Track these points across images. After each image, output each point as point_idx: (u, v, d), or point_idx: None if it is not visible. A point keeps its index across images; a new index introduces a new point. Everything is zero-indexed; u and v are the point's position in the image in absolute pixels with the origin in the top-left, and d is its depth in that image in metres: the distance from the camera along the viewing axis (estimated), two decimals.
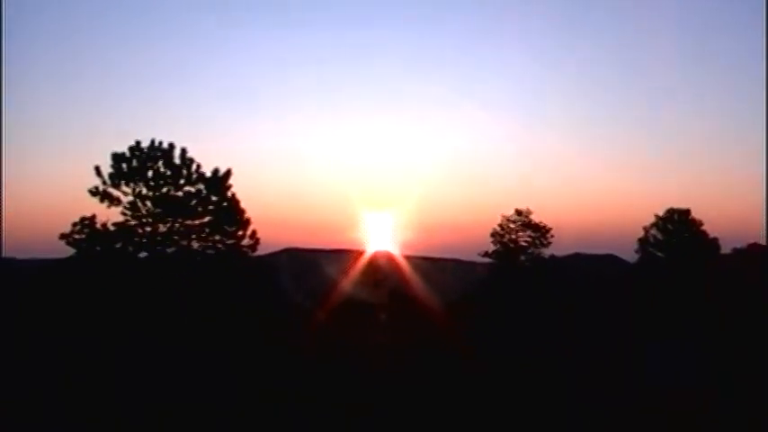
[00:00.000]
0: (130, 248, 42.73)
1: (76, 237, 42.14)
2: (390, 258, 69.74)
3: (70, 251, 42.24)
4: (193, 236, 43.30)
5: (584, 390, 34.96)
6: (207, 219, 43.46)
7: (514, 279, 63.43)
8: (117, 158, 42.85)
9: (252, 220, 44.22)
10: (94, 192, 42.25)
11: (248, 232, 44.09)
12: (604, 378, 36.69)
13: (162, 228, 42.87)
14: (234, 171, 44.09)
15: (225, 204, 43.61)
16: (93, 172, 42.54)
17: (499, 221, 66.45)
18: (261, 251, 46.54)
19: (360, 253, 68.93)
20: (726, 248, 76.89)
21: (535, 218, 66.10)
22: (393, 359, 42.49)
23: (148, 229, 42.73)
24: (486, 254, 66.39)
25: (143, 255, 42.95)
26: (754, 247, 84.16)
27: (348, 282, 62.17)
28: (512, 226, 65.95)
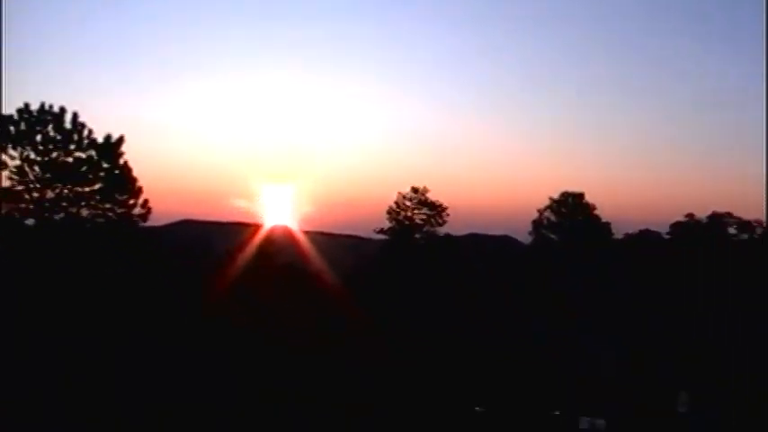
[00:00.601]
0: (16, 215, 41.59)
1: None
2: (287, 232, 69.28)
3: None
4: (83, 203, 42.26)
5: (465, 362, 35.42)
6: (97, 186, 42.45)
7: (408, 256, 63.42)
8: (4, 121, 41.46)
9: (145, 189, 43.44)
10: None
11: (140, 201, 43.25)
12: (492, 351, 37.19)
13: (50, 194, 41.75)
14: (128, 138, 43.19)
15: (116, 172, 42.67)
16: None
17: (395, 198, 66.30)
18: (157, 222, 45.69)
19: (257, 226, 68.28)
20: (618, 233, 78.32)
21: (431, 196, 66.19)
22: (286, 333, 42.33)
23: (36, 194, 41.55)
24: (381, 230, 66.31)
25: (29, 221, 41.81)
26: (645, 233, 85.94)
27: (243, 255, 61.61)
28: (407, 203, 65.93)
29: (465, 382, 33.70)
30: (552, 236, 69.71)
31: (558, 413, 22.81)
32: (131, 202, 42.99)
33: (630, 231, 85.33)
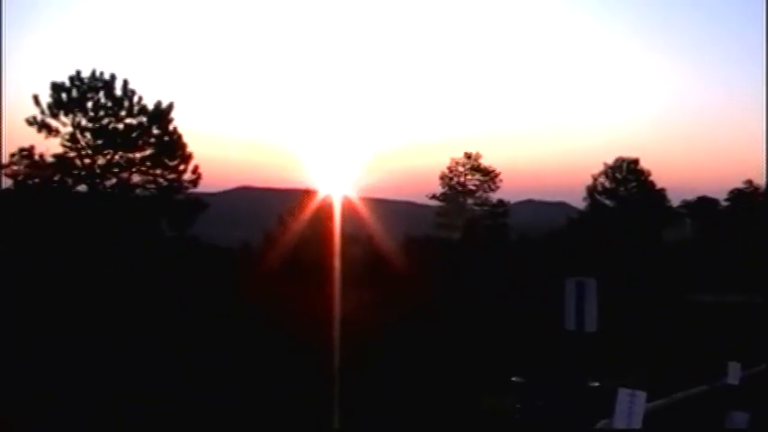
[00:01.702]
0: (69, 181, 42.05)
1: (15, 168, 41.37)
2: (344, 199, 69.15)
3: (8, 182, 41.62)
4: (134, 169, 42.62)
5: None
6: (148, 152, 42.74)
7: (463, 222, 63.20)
8: (56, 88, 41.87)
9: (205, 156, 43.78)
10: (32, 121, 41.35)
11: (190, 167, 43.45)
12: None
13: (101, 160, 42.15)
14: (185, 106, 43.46)
15: (166, 138, 42.90)
16: (31, 101, 41.70)
17: (448, 164, 66.03)
18: (215, 188, 45.95)
19: (313, 193, 68.10)
20: (674, 200, 77.21)
21: (485, 162, 65.84)
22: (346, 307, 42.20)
23: (87, 161, 41.98)
24: (434, 196, 66.16)
25: (82, 188, 42.28)
26: (703, 200, 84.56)
27: (300, 223, 61.54)
28: (460, 169, 65.65)
29: (509, 352, 33.35)
30: (607, 202, 68.79)
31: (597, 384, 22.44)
32: (181, 167, 43.19)
33: (688, 198, 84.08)
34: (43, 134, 41.49)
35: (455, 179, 65.61)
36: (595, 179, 69.12)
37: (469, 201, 65.60)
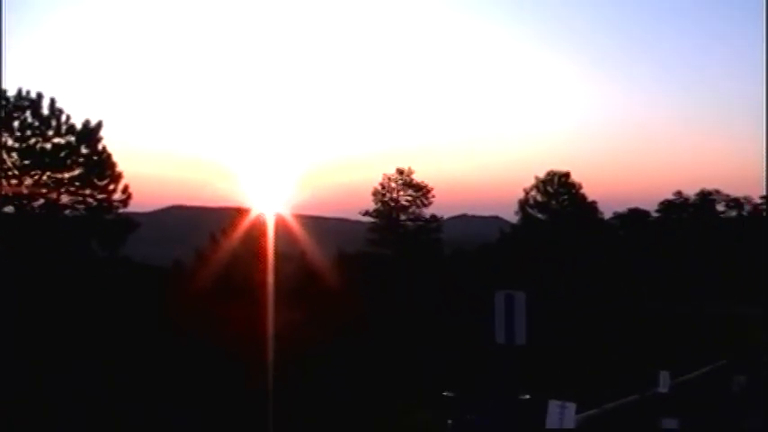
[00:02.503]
0: None
1: None
2: (276, 216, 68.80)
3: None
4: (62, 189, 42.07)
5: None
6: (77, 172, 42.23)
7: (395, 238, 63.35)
8: None
9: (127, 175, 43.35)
10: None
11: (120, 186, 43.03)
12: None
13: (29, 181, 41.53)
14: (108, 125, 43.05)
15: (95, 158, 42.45)
16: None
17: (380, 180, 66.10)
18: (147, 207, 45.57)
19: (245, 211, 67.65)
20: (605, 212, 78.29)
21: (417, 177, 66.01)
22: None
23: (14, 182, 41.33)
24: (367, 213, 66.19)
25: (9, 209, 41.61)
26: (634, 212, 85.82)
27: (232, 241, 61.18)
28: (393, 185, 65.78)
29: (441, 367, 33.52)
30: (539, 215, 69.46)
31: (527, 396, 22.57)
32: (111, 187, 42.75)
33: (619, 210, 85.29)
34: None
35: (388, 195, 65.73)
36: (527, 193, 69.76)
37: (402, 216, 65.77)
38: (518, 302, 19.37)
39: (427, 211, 66.15)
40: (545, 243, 63.92)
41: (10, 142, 41.28)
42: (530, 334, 19.15)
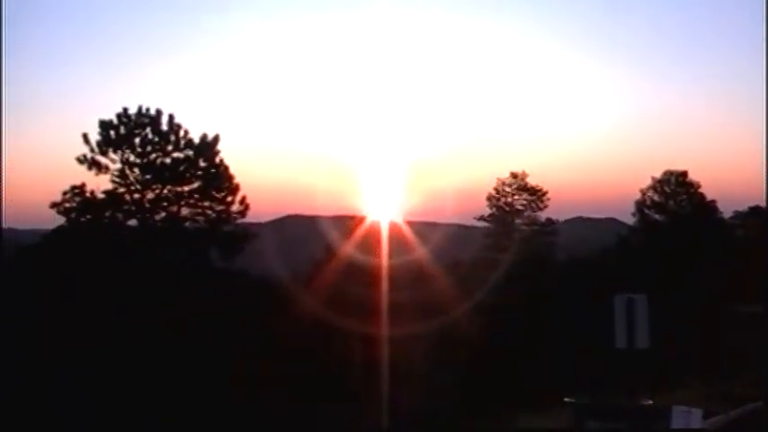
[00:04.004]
0: (119, 216, 42.70)
1: (67, 206, 42.12)
2: (391, 224, 69.09)
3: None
4: (182, 202, 43.17)
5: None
6: (196, 185, 43.28)
7: (511, 243, 62.94)
8: (105, 126, 42.63)
9: (244, 185, 44.22)
10: (82, 160, 42.15)
11: (238, 198, 43.91)
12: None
13: (150, 195, 42.76)
14: (224, 136, 43.92)
15: (213, 170, 43.42)
16: (81, 140, 42.49)
17: (494, 185, 65.83)
18: (262, 218, 46.48)
19: (360, 219, 68.17)
20: (725, 211, 76.17)
21: (531, 180, 65.59)
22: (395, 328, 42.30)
23: (137, 196, 42.61)
24: (482, 218, 65.97)
25: (132, 222, 42.89)
26: (755, 210, 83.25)
27: (348, 248, 61.69)
28: (507, 189, 65.46)
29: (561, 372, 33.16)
30: (657, 216, 68.05)
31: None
32: (229, 199, 43.66)
33: (739, 209, 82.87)
34: (93, 171, 42.28)
35: (502, 199, 65.45)
36: (644, 194, 68.40)
37: (517, 221, 65.42)
38: (640, 306, 19.08)
39: (542, 215, 65.71)
40: (664, 245, 62.65)
41: (132, 158, 42.59)
42: (652, 338, 18.85)
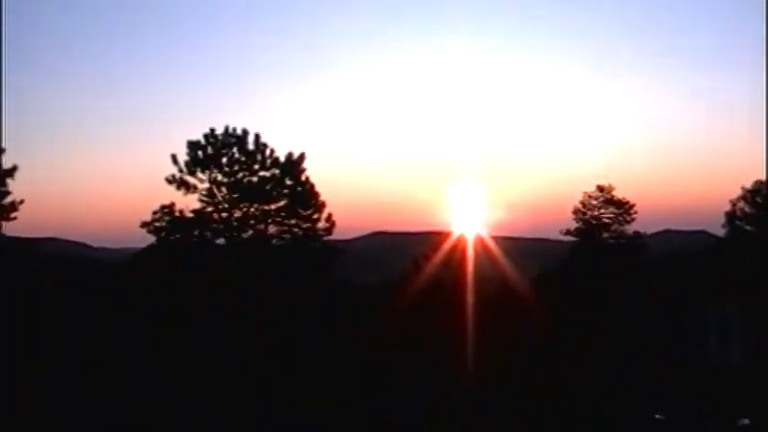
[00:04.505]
0: (208, 235, 43.40)
1: (157, 225, 43.00)
2: (476, 238, 68.91)
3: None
4: (269, 220, 43.71)
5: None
6: (282, 203, 43.79)
7: (596, 257, 62.21)
8: (193, 146, 43.46)
9: (332, 203, 44.70)
10: (171, 180, 42.98)
11: (324, 215, 44.30)
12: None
13: (238, 213, 43.41)
14: (309, 154, 44.37)
15: (299, 188, 43.87)
16: (170, 161, 43.36)
17: (580, 198, 65.03)
18: (349, 234, 46.74)
19: (446, 235, 68.17)
20: None
21: (618, 193, 64.64)
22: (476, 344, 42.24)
23: (225, 215, 43.30)
24: (568, 232, 65.25)
25: (220, 240, 43.56)
26: None
27: (433, 264, 61.74)
28: (593, 203, 64.60)
29: (647, 387, 32.66)
30: (748, 227, 66.38)
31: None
32: (315, 216, 44.06)
33: None
34: (182, 191, 43.09)
35: (588, 213, 64.64)
36: (734, 204, 66.83)
37: (604, 234, 64.52)
38: (733, 321, 18.82)
39: (629, 228, 64.68)
40: (756, 257, 61.15)
41: (219, 177, 43.30)
42: (745, 354, 18.55)
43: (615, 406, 31.86)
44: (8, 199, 45.05)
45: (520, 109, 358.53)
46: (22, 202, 45.30)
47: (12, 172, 45.52)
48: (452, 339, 42.51)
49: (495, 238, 70.56)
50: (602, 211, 64.74)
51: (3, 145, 45.22)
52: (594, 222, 64.63)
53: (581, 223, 64.80)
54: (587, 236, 64.48)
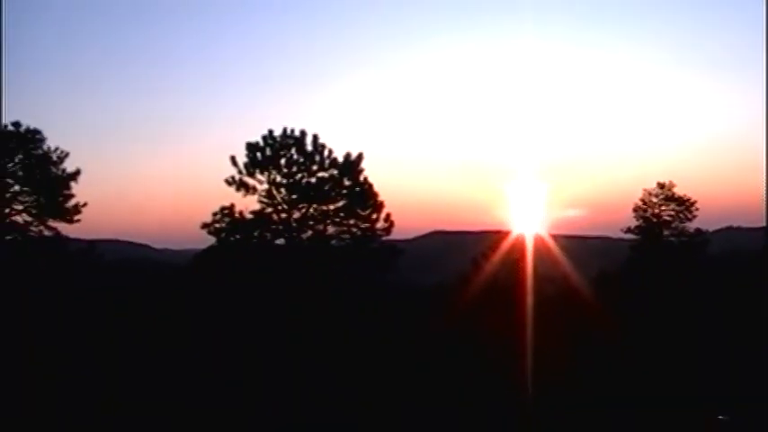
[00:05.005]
0: (268, 235, 43.70)
1: (217, 226, 43.40)
2: (536, 237, 68.49)
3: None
4: (328, 221, 43.88)
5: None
6: (341, 203, 43.94)
7: (658, 255, 61.52)
8: (251, 148, 43.81)
9: (390, 203, 44.70)
10: (231, 181, 43.36)
11: (382, 215, 44.33)
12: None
13: (297, 214, 43.64)
14: (367, 154, 44.47)
15: (357, 189, 43.96)
16: (229, 162, 43.77)
17: (641, 196, 64.33)
18: (408, 234, 46.79)
19: (505, 233, 67.85)
20: None
21: (679, 190, 63.86)
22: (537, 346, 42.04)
23: (284, 215, 43.57)
24: (629, 230, 64.58)
25: (280, 241, 43.85)
26: None
27: (492, 263, 61.50)
28: (654, 200, 63.84)
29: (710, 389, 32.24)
30: None
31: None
32: (374, 216, 44.11)
33: None
34: (242, 192, 43.47)
35: (649, 210, 63.91)
36: None
37: (665, 232, 63.75)
38: None
39: (691, 226, 63.85)
40: None
41: (278, 178, 43.60)
42: None
43: (679, 407, 31.56)
44: (72, 202, 46.03)
45: (580, 106, 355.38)
46: (85, 204, 46.40)
47: (75, 176, 46.54)
48: (512, 339, 42.35)
49: (555, 237, 70.06)
50: (662, 208, 63.95)
51: (67, 149, 46.23)
52: (655, 220, 63.87)
53: (642, 221, 64.07)
54: (648, 234, 63.75)
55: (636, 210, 64.18)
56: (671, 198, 63.69)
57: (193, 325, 40.92)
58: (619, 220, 68.58)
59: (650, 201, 64.07)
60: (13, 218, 46.30)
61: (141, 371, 36.85)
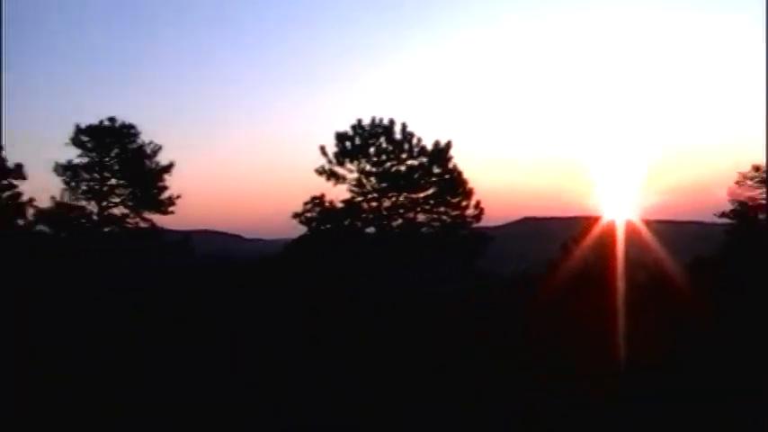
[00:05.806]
0: (358, 224, 44.11)
1: (308, 215, 43.94)
2: (627, 223, 67.72)
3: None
4: (418, 209, 44.12)
5: None
6: (431, 191, 44.14)
7: (754, 240, 60.30)
8: (341, 138, 44.26)
9: (478, 189, 44.66)
10: (321, 171, 43.87)
11: (472, 202, 44.40)
12: None
13: (387, 202, 43.99)
14: (456, 141, 44.55)
15: (447, 176, 44.10)
16: (319, 152, 44.29)
17: (735, 179, 63.10)
18: (498, 221, 46.81)
19: (596, 219, 67.19)
20: None
21: None
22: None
23: (374, 204, 43.97)
24: (723, 214, 63.41)
25: (370, 230, 44.21)
26: None
27: (583, 250, 61.02)
28: (748, 183, 62.52)
29: None
30: None
31: None
32: (464, 204, 44.21)
33: None
34: (332, 182, 44.01)
35: (744, 195, 62.64)
36: None
37: (761, 216, 62.44)
38: None
39: None
40: None
41: (368, 167, 44.00)
42: None
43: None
44: (166, 194, 47.11)
45: (671, 90, 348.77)
46: (178, 197, 47.47)
47: (169, 168, 47.62)
48: (603, 326, 42.00)
49: (647, 222, 69.13)
50: (757, 191, 62.65)
51: (161, 142, 47.31)
52: (750, 204, 62.62)
53: (736, 205, 62.89)
54: (743, 218, 62.56)
55: (730, 194, 63.03)
56: (765, 181, 62.37)
57: (286, 315, 41.42)
58: (713, 204, 67.20)
59: (745, 184, 62.83)
60: (111, 210, 47.63)
61: (235, 361, 37.45)
